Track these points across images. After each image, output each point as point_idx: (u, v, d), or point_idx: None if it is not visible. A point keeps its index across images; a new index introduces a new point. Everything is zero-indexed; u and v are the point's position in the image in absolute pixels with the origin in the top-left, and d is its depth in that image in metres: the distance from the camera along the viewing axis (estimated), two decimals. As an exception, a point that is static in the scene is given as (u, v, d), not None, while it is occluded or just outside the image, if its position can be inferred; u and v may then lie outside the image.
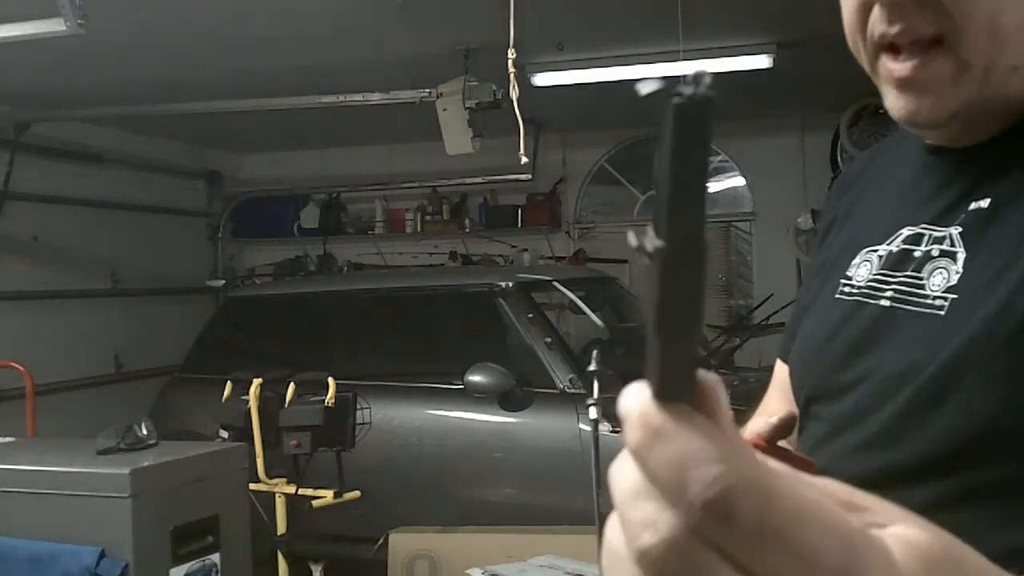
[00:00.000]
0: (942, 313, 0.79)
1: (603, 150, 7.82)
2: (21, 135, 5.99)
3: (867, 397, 0.84)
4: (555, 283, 5.19)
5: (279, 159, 8.33)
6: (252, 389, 3.62)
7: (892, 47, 0.79)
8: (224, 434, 3.70)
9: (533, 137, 6.67)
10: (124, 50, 4.81)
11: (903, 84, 0.79)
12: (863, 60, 0.83)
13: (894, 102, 0.81)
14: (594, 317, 5.05)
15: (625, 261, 7.55)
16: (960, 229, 0.81)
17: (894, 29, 0.77)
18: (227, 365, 4.29)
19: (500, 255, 7.73)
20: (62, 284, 6.45)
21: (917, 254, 0.84)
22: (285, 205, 8.20)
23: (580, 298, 5.14)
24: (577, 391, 4.20)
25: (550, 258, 7.62)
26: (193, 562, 2.61)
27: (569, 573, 3.16)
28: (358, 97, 5.39)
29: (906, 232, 0.87)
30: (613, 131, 7.63)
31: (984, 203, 0.80)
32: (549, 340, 4.44)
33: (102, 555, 2.42)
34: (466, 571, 3.26)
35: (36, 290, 6.23)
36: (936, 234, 0.83)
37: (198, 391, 4.86)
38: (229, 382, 3.86)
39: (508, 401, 4.30)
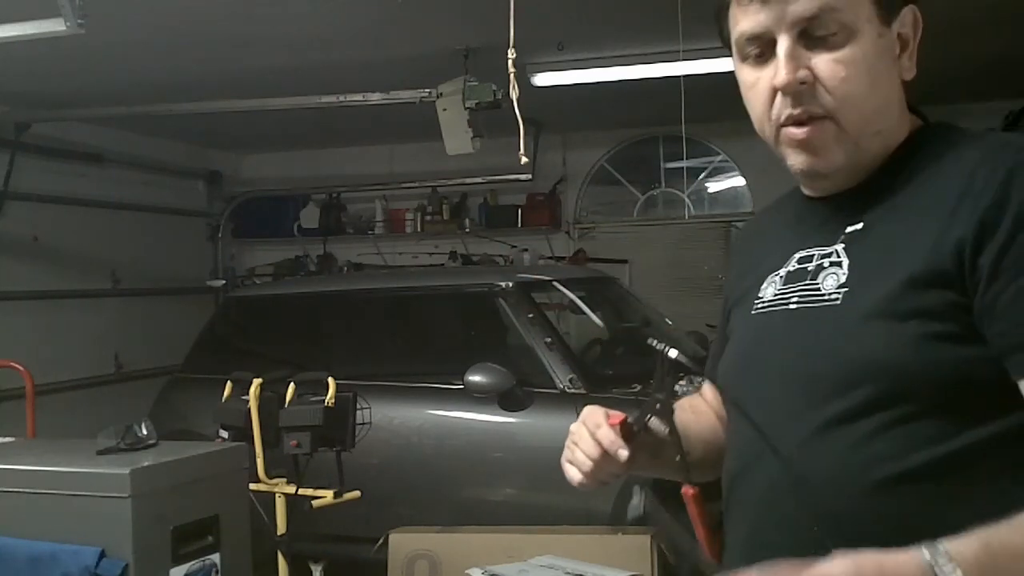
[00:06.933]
0: (839, 303, 1.09)
1: (603, 150, 7.81)
2: (21, 135, 5.98)
3: (787, 374, 1.12)
4: (555, 283, 5.18)
5: (279, 159, 8.33)
6: (252, 389, 3.61)
7: (793, 121, 1.10)
8: (224, 434, 3.69)
9: (533, 137, 6.67)
10: (124, 50, 4.81)
11: (802, 145, 1.11)
12: (768, 135, 1.14)
13: (795, 159, 1.13)
14: (594, 317, 5.03)
15: (625, 261, 7.55)
16: (843, 245, 1.13)
17: (797, 110, 1.09)
18: (227, 365, 4.28)
19: (500, 255, 7.72)
20: (62, 284, 6.45)
21: (810, 268, 1.15)
22: (285, 205, 8.20)
23: (580, 298, 5.12)
24: (577, 391, 4.19)
25: (550, 258, 7.61)
26: (193, 562, 2.61)
27: (569, 573, 3.16)
28: (358, 97, 5.38)
29: (799, 255, 1.18)
30: (613, 131, 7.63)
31: (858, 225, 1.12)
32: (549, 340, 4.43)
33: (102, 555, 2.42)
34: (466, 571, 3.26)
35: (36, 290, 6.22)
36: (823, 251, 1.14)
37: (198, 391, 4.85)
38: (229, 382, 3.85)
39: (508, 401, 4.30)
